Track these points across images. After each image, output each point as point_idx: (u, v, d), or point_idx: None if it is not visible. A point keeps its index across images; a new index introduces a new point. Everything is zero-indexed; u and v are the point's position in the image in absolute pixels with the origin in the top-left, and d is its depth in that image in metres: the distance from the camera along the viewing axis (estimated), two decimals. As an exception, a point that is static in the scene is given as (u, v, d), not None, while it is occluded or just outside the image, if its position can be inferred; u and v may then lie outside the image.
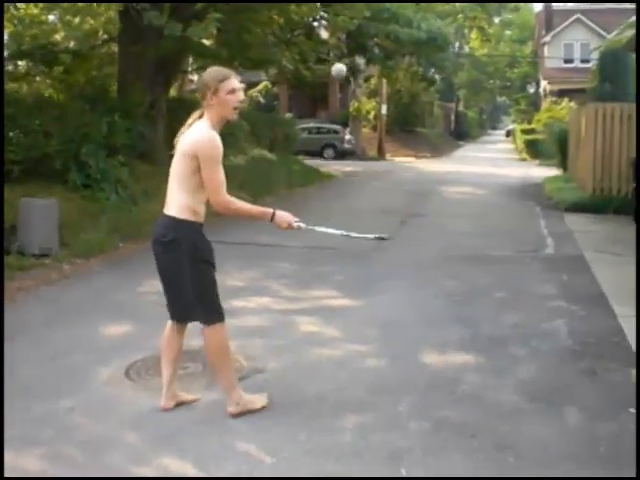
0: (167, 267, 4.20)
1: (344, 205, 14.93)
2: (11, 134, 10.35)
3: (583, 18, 46.26)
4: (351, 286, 7.59)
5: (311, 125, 33.49)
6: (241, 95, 4.14)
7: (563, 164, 20.77)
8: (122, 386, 4.82)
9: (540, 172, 23.46)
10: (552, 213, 13.67)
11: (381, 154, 34.47)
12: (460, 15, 37.08)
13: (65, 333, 5.95)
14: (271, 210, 4.18)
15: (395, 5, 22.99)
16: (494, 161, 32.53)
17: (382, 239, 4.84)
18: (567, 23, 46.84)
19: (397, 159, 34.22)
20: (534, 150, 32.34)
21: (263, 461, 3.76)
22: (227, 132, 17.82)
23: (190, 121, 4.18)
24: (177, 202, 4.06)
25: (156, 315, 6.41)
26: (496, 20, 55.76)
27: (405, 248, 10.01)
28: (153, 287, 7.48)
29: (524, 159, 34.42)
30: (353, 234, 4.62)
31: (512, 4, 56.30)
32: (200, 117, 4.12)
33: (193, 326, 5.98)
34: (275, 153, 20.95)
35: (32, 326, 6.17)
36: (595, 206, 13.21)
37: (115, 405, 4.50)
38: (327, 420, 4.24)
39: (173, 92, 22.72)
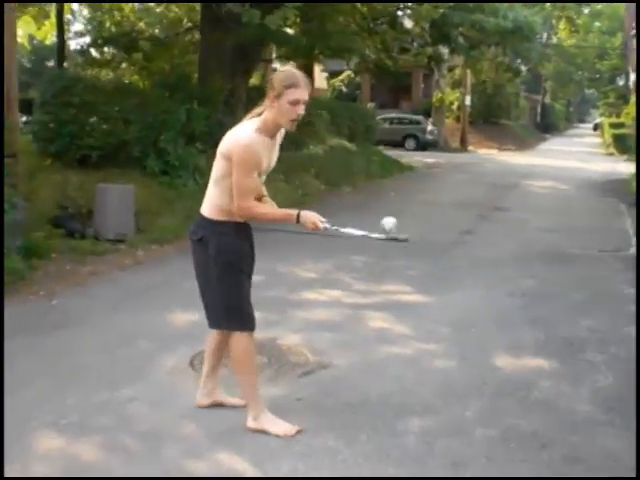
0: (195, 266, 4.03)
1: (423, 198, 14.71)
2: (90, 120, 10.49)
3: (679, 8, 44.55)
4: (424, 281, 7.41)
5: (393, 115, 33.22)
6: (302, 109, 3.76)
7: (652, 160, 20.01)
8: (185, 376, 4.77)
9: (627, 168, 22.67)
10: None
11: (464, 146, 33.98)
12: (548, 5, 36.10)
13: (132, 319, 5.97)
14: (295, 211, 3.88)
15: (481, -7, 22.49)
16: (580, 155, 31.68)
17: (401, 240, 4.43)
18: (661, 14, 45.21)
19: (480, 151, 33.68)
20: (622, 145, 31.35)
21: (321, 462, 3.64)
22: (306, 121, 17.91)
23: (249, 115, 3.89)
24: (210, 201, 3.88)
25: (224, 305, 6.41)
26: (585, 10, 54.18)
27: (483, 243, 9.78)
28: (224, 276, 7.53)
29: (611, 154, 33.42)
30: (374, 235, 4.24)
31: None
32: (259, 115, 3.82)
33: (263, 318, 5.96)
34: (355, 143, 20.80)
35: (100, 311, 6.21)
36: (685, 204, 12.65)
37: (176, 396, 4.45)
38: (390, 422, 4.10)
39: (255, 80, 22.84)
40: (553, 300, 6.83)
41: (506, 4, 23.66)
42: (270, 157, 3.93)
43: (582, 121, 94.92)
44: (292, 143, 16.90)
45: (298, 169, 14.77)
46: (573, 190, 17.14)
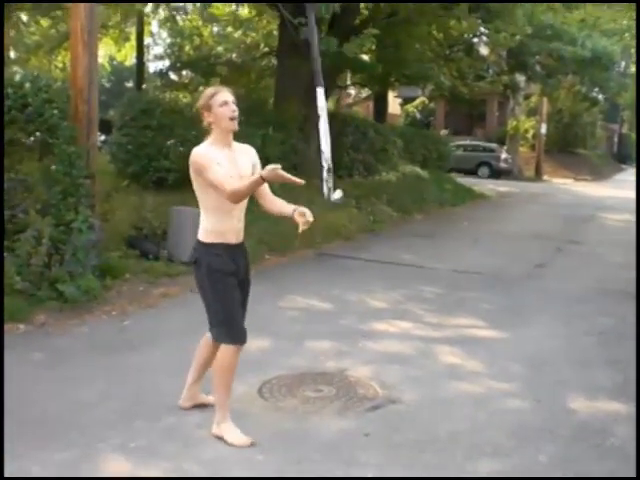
0: (197, 287, 4.29)
1: (496, 228, 14.51)
2: (168, 143, 10.67)
3: None
4: (497, 316, 7.26)
5: (467, 142, 33.00)
6: (233, 107, 4.19)
7: None
8: (253, 404, 4.76)
9: None
10: None
11: (538, 175, 33.50)
12: (627, 34, 35.44)
13: (202, 344, 5.98)
14: (258, 174, 3.95)
15: (559, 22, 22.28)
16: (659, 187, 30.85)
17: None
18: None
19: (555, 180, 33.13)
20: (703, 177, 30.47)
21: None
22: (380, 148, 17.97)
23: None
24: (201, 225, 4.20)
25: (295, 332, 6.41)
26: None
27: (558, 278, 9.56)
28: (295, 303, 7.55)
29: (692, 186, 32.48)
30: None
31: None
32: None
33: (333, 348, 5.93)
34: (427, 170, 20.70)
35: (170, 333, 6.25)
36: None
37: (244, 424, 4.42)
38: (459, 462, 4.00)
39: (331, 106, 22.98)
40: (631, 340, 6.60)
41: (584, 32, 23.38)
42: (236, 165, 4.21)
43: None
44: (365, 169, 16.94)
45: (370, 195, 14.74)
46: (652, 224, 16.66)
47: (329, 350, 5.94)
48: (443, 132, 33.98)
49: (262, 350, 5.93)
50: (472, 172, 30.35)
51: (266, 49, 19.50)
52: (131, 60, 27.37)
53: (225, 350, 4.21)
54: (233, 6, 20.56)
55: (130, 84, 39.05)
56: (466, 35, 19.71)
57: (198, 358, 4.59)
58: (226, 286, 4.17)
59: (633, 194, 25.45)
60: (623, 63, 52.58)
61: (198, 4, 18.39)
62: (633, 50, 48.48)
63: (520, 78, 27.34)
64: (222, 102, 4.14)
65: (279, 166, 3.90)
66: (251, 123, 12.37)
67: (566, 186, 30.19)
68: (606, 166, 44.05)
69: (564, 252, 11.70)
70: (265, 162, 11.84)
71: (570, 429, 4.50)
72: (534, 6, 18.97)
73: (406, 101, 40.20)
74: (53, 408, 4.51)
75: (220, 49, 20.33)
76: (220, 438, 4.18)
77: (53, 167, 7.43)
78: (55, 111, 7.48)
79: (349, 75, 21.04)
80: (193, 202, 10.09)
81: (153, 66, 24.18)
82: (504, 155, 32.16)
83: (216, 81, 15.80)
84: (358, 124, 17.63)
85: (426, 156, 22.49)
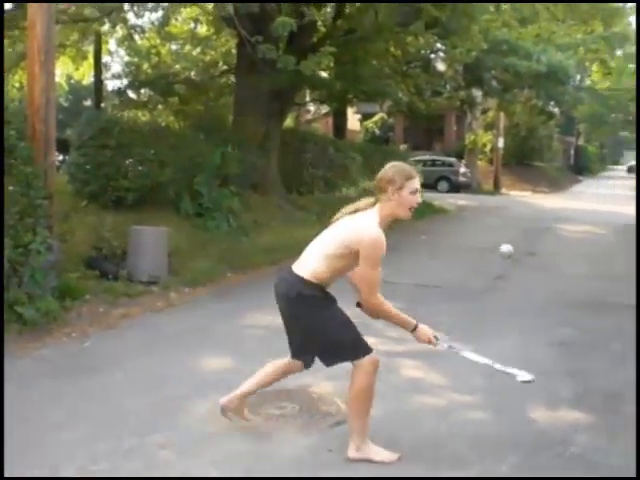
0: (299, 319, 4.30)
1: (455, 241, 14.64)
2: (126, 162, 10.62)
3: None
4: (459, 329, 7.30)
5: (426, 157, 33.24)
6: (419, 198, 4.12)
7: (689, 204, 19.80)
8: (218, 424, 4.72)
9: (664, 211, 22.41)
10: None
11: (497, 188, 33.87)
12: (581, 48, 36.08)
13: (164, 363, 5.95)
14: (414, 322, 4.22)
15: (514, 37, 22.63)
16: (614, 198, 31.42)
17: (528, 382, 4.50)
18: (695, 57, 45.00)
19: (513, 193, 33.53)
20: (658, 188, 31.06)
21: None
22: (340, 164, 18.04)
23: (361, 205, 4.17)
24: (312, 269, 4.11)
25: (257, 350, 6.38)
26: (619, 53, 54.07)
27: (518, 290, 9.67)
28: (257, 320, 7.52)
29: (647, 197, 33.10)
30: (498, 367, 4.52)
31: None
32: (372, 205, 4.11)
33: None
34: (388, 185, 20.78)
35: (131, 355, 6.21)
36: None
37: (208, 444, 4.41)
38: (422, 475, 4.02)
39: (290, 123, 23.05)
40: (591, 350, 6.72)
41: (539, 47, 23.74)
42: None
43: (616, 163, 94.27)
44: (325, 186, 17.01)
45: (331, 211, 14.71)
46: (608, 235, 16.96)
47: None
48: (402, 147, 34.20)
49: (224, 369, 5.92)
50: (431, 186, 30.55)
51: (225, 67, 19.52)
52: (89, 79, 27.21)
53: (367, 366, 4.15)
54: (192, 24, 20.59)
55: (88, 103, 38.76)
56: (423, 51, 19.92)
57: (266, 374, 4.59)
58: (335, 306, 4.24)
59: (590, 205, 25.92)
60: (578, 77, 53.58)
61: (155, 22, 18.35)
62: (587, 64, 49.53)
63: (477, 93, 27.65)
64: (414, 190, 4.06)
65: (439, 338, 4.30)
66: (210, 141, 12.39)
67: (524, 198, 30.57)
68: (563, 178, 44.71)
69: (522, 264, 11.82)
70: (225, 179, 11.83)
71: (531, 439, 4.55)
72: (489, 22, 19.24)
73: (365, 117, 40.46)
74: (15, 430, 4.44)
75: (178, 67, 20.29)
76: (361, 460, 4.12)
77: (10, 188, 7.33)
78: (12, 132, 7.40)
79: (308, 92, 21.13)
80: (151, 221, 10.07)
81: (111, 84, 24.05)
82: (463, 169, 32.46)
83: (174, 100, 15.83)
84: (317, 141, 17.73)
85: (386, 171, 22.60)
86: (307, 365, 4.49)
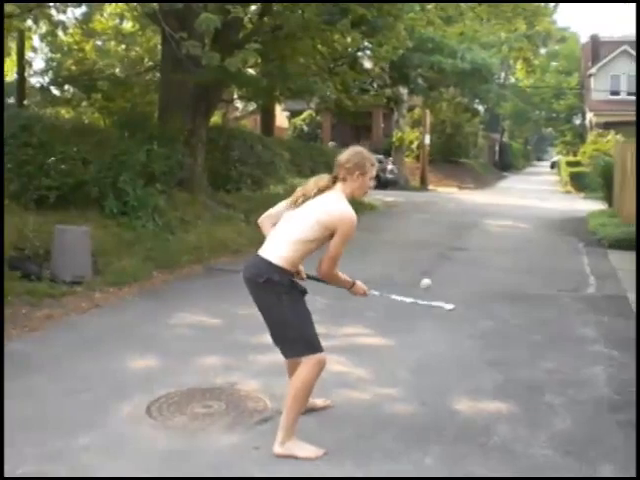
0: (261, 307, 4.41)
1: (383, 237, 14.77)
2: (49, 161, 10.40)
3: (630, 50, 45.66)
4: (384, 323, 7.39)
5: (354, 154, 33.36)
6: (373, 183, 4.53)
7: (608, 199, 20.39)
8: (142, 424, 4.69)
9: (585, 206, 23.04)
10: (595, 250, 13.35)
11: (424, 184, 34.26)
12: (505, 46, 36.81)
13: (88, 365, 5.86)
14: (352, 280, 4.60)
15: (439, 36, 22.93)
16: (538, 193, 32.11)
17: (448, 309, 5.08)
18: (614, 55, 46.38)
19: (440, 189, 33.96)
20: (579, 183, 31.89)
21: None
22: (268, 162, 18.00)
23: (321, 184, 4.35)
24: (283, 254, 4.23)
25: (184, 349, 6.36)
26: (542, 51, 55.34)
27: (443, 284, 9.75)
28: (183, 319, 7.47)
29: (569, 192, 33.95)
30: (420, 302, 4.97)
31: (558, 35, 55.84)
32: (328, 186, 4.34)
33: (222, 363, 5.91)
34: (317, 182, 20.83)
35: (55, 357, 6.10)
36: (640, 243, 12.83)
37: (132, 444, 4.37)
38: (349, 470, 4.06)
39: (217, 120, 22.89)
40: (513, 342, 6.87)
41: (464, 45, 24.09)
42: None
43: (540, 159, 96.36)
44: (253, 183, 16.96)
45: (259, 209, 14.64)
46: (532, 229, 17.33)
47: (218, 365, 5.92)
48: (330, 144, 34.34)
49: (150, 369, 5.86)
50: (360, 183, 30.70)
51: (150, 63, 19.29)
52: (13, 75, 26.55)
53: (313, 364, 4.25)
54: (117, 20, 20.28)
55: (12, 100, 37.80)
56: (350, 49, 20.00)
57: (292, 369, 4.53)
58: (303, 300, 4.37)
59: (514, 201, 26.44)
60: (502, 74, 54.61)
61: (79, 18, 18.00)
62: (511, 62, 50.50)
63: (403, 91, 27.96)
64: (373, 176, 4.45)
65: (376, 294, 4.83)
66: (135, 138, 12.22)
67: (451, 195, 31.01)
68: (488, 174, 45.48)
69: (448, 259, 12.02)
70: (150, 177, 11.67)
71: (455, 430, 4.63)
72: (414, 20, 19.43)
73: (293, 114, 40.51)
74: None
75: (103, 64, 19.96)
76: (287, 457, 4.16)
77: None
78: None
79: (235, 89, 21.02)
80: (75, 220, 9.87)
81: (35, 81, 23.52)
82: (390, 166, 32.73)
83: (97, 96, 15.57)
84: (245, 138, 17.65)
85: (314, 168, 22.66)
86: (283, 354, 4.53)
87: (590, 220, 17.63)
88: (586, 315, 8.01)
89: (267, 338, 6.66)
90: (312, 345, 4.28)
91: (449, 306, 5.10)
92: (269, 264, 4.21)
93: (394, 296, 5.03)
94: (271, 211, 4.61)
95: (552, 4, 33.87)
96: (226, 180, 16.10)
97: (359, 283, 4.65)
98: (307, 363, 4.25)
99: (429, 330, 7.20)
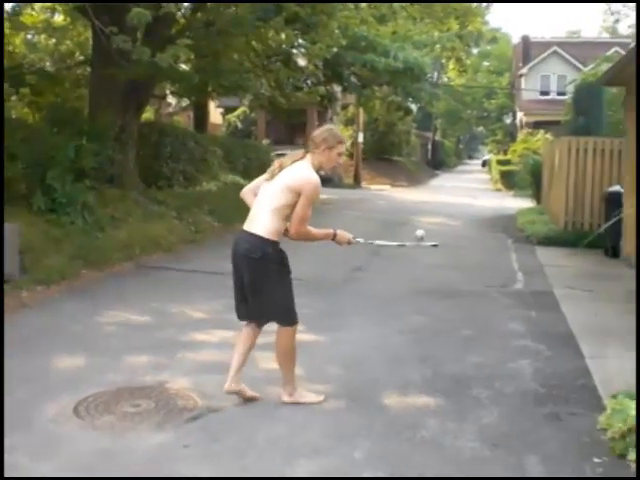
0: (250, 280, 4.81)
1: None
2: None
3: (560, 51, 46.76)
4: (316, 320, 7.40)
5: (288, 152, 33.34)
6: (341, 159, 5.02)
7: (537, 196, 20.83)
8: (69, 424, 4.62)
9: (514, 203, 23.49)
10: (524, 246, 13.63)
11: (357, 182, 34.46)
12: (438, 46, 37.23)
13: (15, 365, 5.71)
14: (332, 231, 5.06)
15: (372, 34, 23.04)
16: (469, 191, 32.61)
17: (435, 246, 5.64)
18: (544, 55, 47.31)
19: (373, 187, 34.21)
20: (509, 181, 32.48)
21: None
22: (200, 158, 17.85)
23: (296, 158, 4.88)
24: (267, 225, 4.73)
25: (112, 347, 6.28)
26: (474, 51, 56.21)
27: (375, 281, 9.90)
28: (112, 317, 7.38)
29: (499, 189, 34.58)
30: (408, 243, 5.49)
31: (490, 36, 56.82)
32: (301, 157, 4.86)
33: (151, 362, 5.85)
34: (249, 180, 20.75)
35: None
36: (567, 240, 13.16)
37: (59, 445, 4.30)
38: (278, 466, 4.07)
39: (149, 116, 22.61)
40: (442, 337, 6.96)
41: (396, 44, 24.26)
42: None
43: (471, 157, 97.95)
44: (185, 180, 16.82)
45: (191, 205, 14.64)
46: (462, 226, 17.59)
47: (148, 363, 5.87)
48: (265, 141, 34.27)
49: (78, 368, 5.78)
50: (294, 180, 30.74)
51: (81, 58, 18.92)
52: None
53: (288, 333, 4.94)
54: (47, 13, 19.82)
55: None
56: (284, 46, 19.97)
57: (244, 346, 5.05)
58: (290, 277, 4.93)
59: (446, 198, 26.79)
60: (435, 74, 55.25)
61: (9, 11, 17.57)
62: (444, 61, 51.12)
63: (337, 89, 28.02)
64: (340, 152, 4.92)
65: (360, 241, 5.27)
66: (64, 134, 11.98)
67: (384, 192, 31.27)
68: (421, 172, 46.02)
69: (380, 255, 12.10)
70: (80, 173, 11.43)
71: (383, 425, 4.68)
72: (348, 18, 19.51)
73: (228, 111, 40.25)
74: None
75: (32, 57, 19.50)
76: (295, 404, 4.93)
77: None
78: None
79: (168, 84, 20.80)
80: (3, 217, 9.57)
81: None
82: (324, 163, 32.81)
83: (26, 90, 15.21)
84: (177, 134, 17.47)
85: (247, 165, 22.60)
86: (261, 325, 5.08)
87: (519, 217, 17.98)
88: (514, 310, 8.18)
89: (198, 336, 6.71)
90: (292, 316, 4.94)
91: (432, 242, 5.67)
92: (260, 238, 4.72)
93: (378, 242, 5.50)
94: (250, 185, 5.13)
95: (484, 4, 34.36)
96: (158, 177, 15.92)
97: (340, 232, 5.09)
98: (285, 332, 4.93)
99: (360, 326, 7.27)
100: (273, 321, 4.97)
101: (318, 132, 4.94)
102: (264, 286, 4.79)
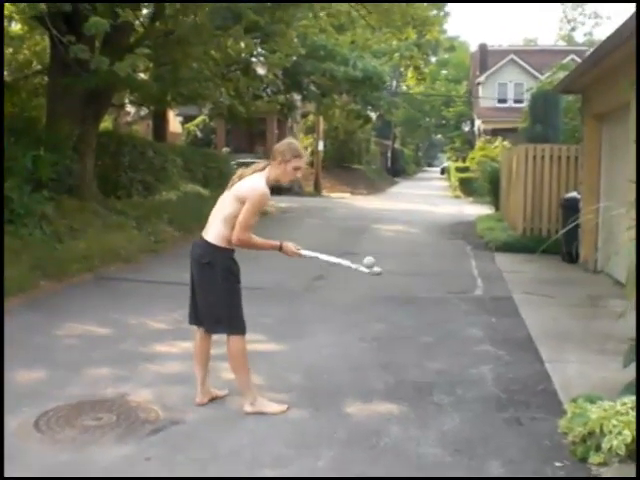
0: (199, 284, 4.97)
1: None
2: None
3: (517, 59, 47.39)
4: (277, 329, 7.43)
5: (248, 160, 33.25)
6: (300, 173, 5.08)
7: (495, 203, 21.06)
8: (30, 438, 4.56)
9: (473, 210, 23.73)
10: (483, 253, 13.77)
11: (318, 190, 34.55)
12: (396, 54, 37.47)
13: (-28, 380, 5.64)
14: (279, 243, 5.10)
15: (331, 43, 23.16)
16: (429, 198, 32.86)
17: (378, 274, 5.40)
18: (501, 63, 47.92)
19: (333, 195, 34.32)
20: (468, 188, 32.79)
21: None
22: (159, 167, 17.76)
23: (256, 168, 4.96)
24: (218, 233, 4.85)
25: (72, 360, 6.21)
26: (432, 60, 56.66)
27: (335, 289, 9.92)
28: (72, 330, 7.31)
29: (458, 196, 34.90)
30: (353, 266, 5.31)
31: (448, 44, 57.31)
32: (262, 169, 4.94)
33: (112, 374, 5.80)
34: (209, 188, 20.75)
35: None
36: (525, 246, 13.31)
37: (20, 459, 4.24)
38: (241, 476, 4.06)
39: (108, 125, 22.43)
40: (403, 344, 7.00)
41: (355, 53, 24.38)
42: None
43: (430, 165, 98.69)
44: (144, 190, 16.71)
45: (150, 216, 14.55)
46: (422, 233, 17.71)
47: (108, 376, 5.81)
48: (224, 150, 34.21)
49: (38, 382, 5.71)
50: (254, 189, 30.72)
51: (39, 67, 18.72)
52: None
53: (238, 341, 4.98)
54: (5, 22, 19.58)
55: None
56: (243, 55, 19.97)
57: (201, 355, 5.17)
58: (238, 284, 4.99)
59: (406, 206, 26.96)
60: (394, 82, 55.60)
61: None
62: (402, 70, 51.47)
63: (296, 97, 28.12)
64: (297, 167, 4.95)
65: (301, 252, 5.18)
66: (21, 144, 11.84)
67: (344, 200, 31.37)
68: (381, 180, 46.24)
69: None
70: (37, 184, 11.24)
71: (347, 433, 4.68)
72: (307, 27, 19.59)
73: (187, 119, 40.09)
74: None
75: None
76: (258, 413, 4.91)
77: None
78: None
79: (127, 93, 20.67)
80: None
81: None
82: (285, 172, 32.85)
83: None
84: (136, 143, 17.38)
85: (207, 174, 22.55)
86: (208, 332, 5.13)
87: (478, 224, 18.15)
88: (474, 316, 8.25)
89: (159, 347, 6.66)
90: (238, 324, 4.97)
91: (377, 269, 5.34)
92: (211, 245, 4.86)
93: (324, 257, 5.39)
94: None
95: (442, 13, 34.68)
96: (116, 186, 15.81)
97: (287, 244, 5.14)
98: (233, 340, 4.98)
99: (322, 334, 7.28)
100: (219, 329, 5.04)
101: (278, 145, 5.06)
102: (210, 291, 4.90)
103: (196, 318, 5.12)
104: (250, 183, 4.84)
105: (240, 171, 5.04)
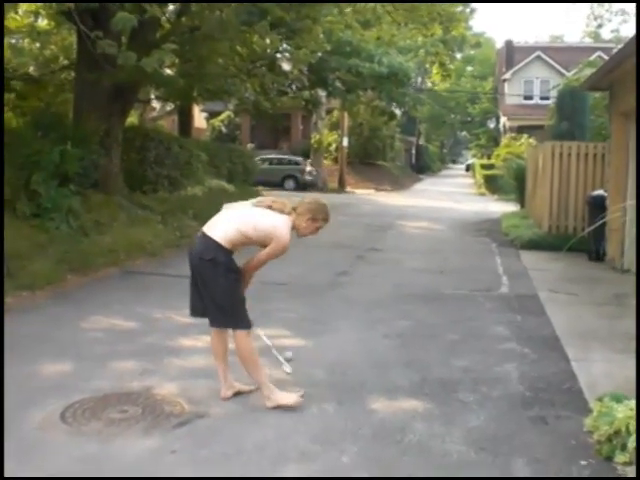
0: (202, 281, 5.07)
1: (300, 239, 14.79)
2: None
3: (543, 56, 47.03)
4: (301, 325, 7.43)
5: (272, 156, 33.45)
6: (318, 232, 5.35)
7: (520, 200, 20.92)
8: (56, 430, 4.60)
9: (498, 207, 23.59)
10: (508, 250, 13.69)
11: (342, 186, 34.51)
12: (422, 50, 37.36)
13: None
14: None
15: (357, 39, 23.12)
16: (453, 195, 32.72)
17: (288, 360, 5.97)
18: (527, 60, 47.57)
19: (357, 192, 34.26)
20: (493, 185, 32.59)
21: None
22: (185, 163, 17.82)
23: (274, 206, 5.13)
24: (226, 236, 4.98)
25: (98, 354, 6.26)
26: (458, 56, 56.38)
27: (359, 285, 9.91)
28: (98, 323, 7.35)
29: (483, 194, 34.71)
30: (283, 360, 5.99)
31: (473, 41, 57.03)
32: (289, 212, 5.13)
33: (138, 367, 5.84)
34: (234, 184, 20.81)
35: None
36: (551, 244, 13.23)
37: (46, 451, 4.28)
38: (266, 471, 4.07)
39: (134, 120, 22.55)
40: (428, 341, 6.98)
41: (381, 49, 24.31)
42: None
43: (455, 162, 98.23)
44: (170, 185, 16.78)
45: (176, 211, 14.62)
46: (447, 230, 17.64)
47: (134, 369, 5.85)
48: (249, 146, 34.31)
49: (64, 374, 5.75)
50: (278, 185, 30.85)
51: (65, 62, 18.85)
52: None
53: (245, 338, 5.06)
54: (31, 18, 19.74)
55: None
56: (269, 51, 19.98)
57: (218, 349, 5.26)
58: (238, 282, 5.12)
59: (430, 203, 26.87)
60: (419, 79, 55.44)
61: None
62: (428, 66, 51.29)
63: (321, 93, 28.09)
64: (319, 226, 5.27)
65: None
66: (49, 138, 11.94)
67: (368, 196, 31.32)
68: (405, 177, 46.10)
69: (365, 260, 12.14)
70: (64, 178, 11.36)
71: (371, 429, 4.68)
72: (333, 24, 19.56)
73: (212, 115, 40.26)
74: None
75: (16, 62, 19.42)
76: (277, 407, 4.95)
77: None
78: None
79: (152, 89, 20.76)
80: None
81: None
82: (309, 168, 32.90)
83: (10, 96, 15.17)
84: (162, 138, 17.44)
85: (232, 170, 22.61)
86: (214, 324, 5.18)
87: (503, 221, 18.05)
88: (499, 314, 8.21)
89: (184, 341, 6.70)
90: (242, 321, 5.04)
91: (287, 368, 5.86)
92: (216, 243, 4.95)
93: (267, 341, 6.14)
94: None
95: (468, 9, 34.52)
96: (142, 181, 15.89)
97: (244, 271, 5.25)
98: (239, 336, 5.04)
99: (346, 330, 7.27)
100: (225, 323, 5.13)
101: (310, 202, 5.28)
102: (214, 287, 5.00)
103: (202, 311, 5.20)
104: (280, 228, 5.02)
105: (270, 200, 5.24)
